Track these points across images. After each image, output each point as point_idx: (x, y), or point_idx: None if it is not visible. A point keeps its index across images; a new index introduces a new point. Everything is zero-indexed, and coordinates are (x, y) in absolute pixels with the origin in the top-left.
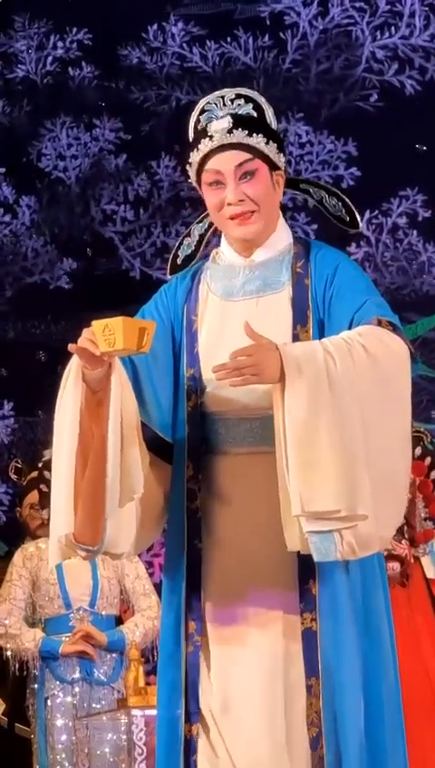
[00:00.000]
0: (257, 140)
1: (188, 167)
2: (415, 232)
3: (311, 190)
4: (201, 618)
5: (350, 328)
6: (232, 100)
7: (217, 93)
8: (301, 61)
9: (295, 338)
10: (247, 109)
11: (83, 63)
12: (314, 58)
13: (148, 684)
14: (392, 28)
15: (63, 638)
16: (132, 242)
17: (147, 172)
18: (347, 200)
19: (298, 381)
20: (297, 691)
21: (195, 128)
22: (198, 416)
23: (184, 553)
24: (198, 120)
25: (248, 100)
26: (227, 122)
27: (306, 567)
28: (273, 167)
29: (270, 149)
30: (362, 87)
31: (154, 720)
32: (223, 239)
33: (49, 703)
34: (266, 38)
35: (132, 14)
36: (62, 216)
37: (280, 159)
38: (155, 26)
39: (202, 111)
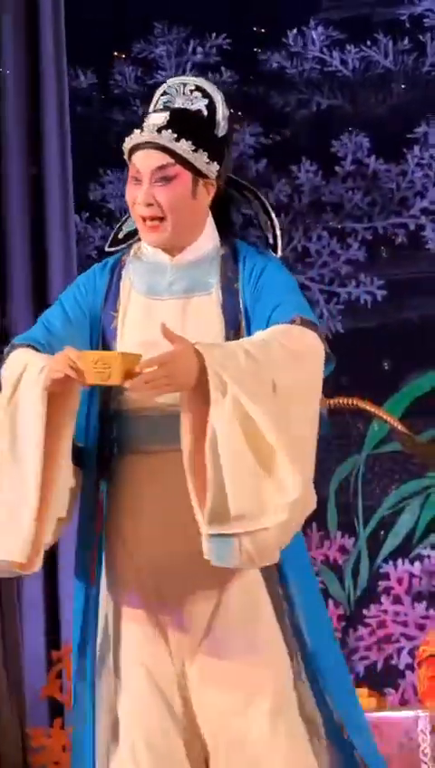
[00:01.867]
0: (184, 147)
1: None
2: None
3: (251, 199)
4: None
5: (267, 326)
6: (191, 91)
7: (182, 79)
8: None
9: (229, 338)
10: (199, 105)
11: (223, 68)
12: None
13: None
14: None
15: None
16: None
17: (287, 177)
18: (277, 225)
19: (220, 384)
20: None
21: (153, 109)
22: (110, 414)
23: (93, 556)
24: (157, 101)
25: (206, 95)
26: (162, 119)
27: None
28: (200, 174)
29: (197, 157)
30: None
31: None
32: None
33: None
34: (406, 41)
35: (272, 18)
36: None
37: (211, 168)
38: (295, 31)
39: (163, 93)
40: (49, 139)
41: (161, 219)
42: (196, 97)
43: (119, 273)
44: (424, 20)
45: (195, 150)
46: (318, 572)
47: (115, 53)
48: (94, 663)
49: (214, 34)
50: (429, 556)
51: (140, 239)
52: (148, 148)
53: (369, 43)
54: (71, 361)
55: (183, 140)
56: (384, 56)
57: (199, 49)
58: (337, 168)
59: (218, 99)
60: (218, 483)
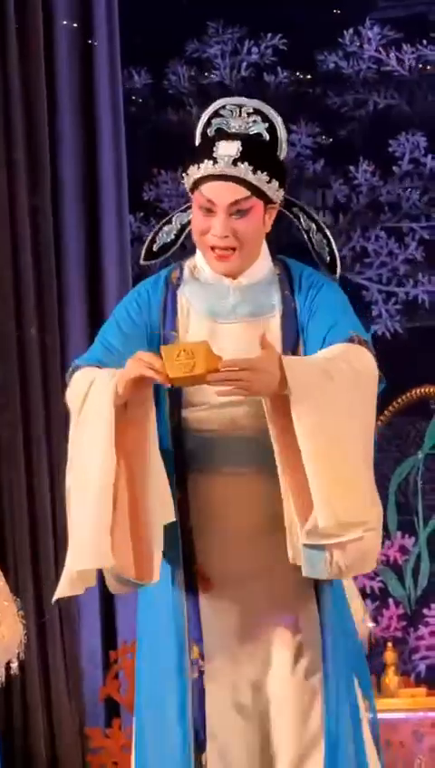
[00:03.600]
0: (260, 179)
1: (184, 174)
2: None
3: (301, 217)
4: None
5: (323, 345)
6: (249, 114)
7: (236, 101)
8: None
9: None
10: (261, 128)
11: (279, 69)
12: None
13: None
14: None
15: None
16: None
17: (345, 177)
18: (332, 241)
19: (306, 393)
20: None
21: (203, 131)
22: (181, 433)
23: (179, 576)
24: (208, 123)
25: (265, 118)
26: (235, 150)
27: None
28: (270, 201)
29: (270, 187)
30: None
31: None
32: (199, 256)
33: None
34: None
35: (328, 18)
36: None
37: (278, 195)
38: (351, 30)
39: (216, 115)
40: (103, 140)
41: (233, 249)
42: (254, 120)
43: (173, 291)
44: None
45: (269, 181)
46: (377, 573)
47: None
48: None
49: (269, 35)
50: None
51: (177, 255)
52: (223, 180)
53: (425, 42)
54: (146, 363)
55: (259, 172)
56: None
57: (255, 49)
58: (394, 168)
59: (279, 121)
60: (322, 496)
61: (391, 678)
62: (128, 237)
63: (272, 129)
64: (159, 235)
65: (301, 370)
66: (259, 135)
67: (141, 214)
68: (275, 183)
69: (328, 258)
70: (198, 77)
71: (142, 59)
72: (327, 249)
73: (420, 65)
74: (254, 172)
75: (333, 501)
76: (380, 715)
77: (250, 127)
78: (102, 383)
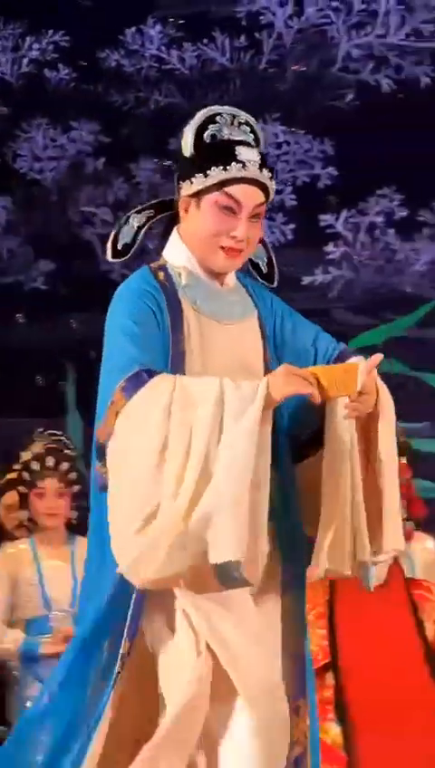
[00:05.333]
0: (272, 186)
1: (196, 175)
2: (392, 231)
3: None
4: None
5: (316, 353)
6: (240, 124)
7: (228, 109)
8: (277, 61)
9: (266, 362)
10: (251, 140)
11: (60, 65)
12: (291, 58)
13: None
14: (368, 27)
15: (43, 640)
16: None
17: (126, 175)
18: (272, 254)
19: (388, 412)
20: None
21: (198, 136)
22: None
23: None
24: (203, 128)
25: (253, 131)
26: (257, 156)
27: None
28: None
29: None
30: (338, 86)
31: None
32: (190, 259)
33: (29, 704)
34: (243, 39)
35: (110, 16)
36: (39, 218)
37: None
38: (133, 29)
39: (212, 121)
40: None
41: (239, 251)
42: (244, 131)
43: (173, 291)
44: (260, 17)
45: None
46: None
47: None
48: None
49: (51, 31)
50: None
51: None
52: (249, 185)
53: (206, 40)
54: (307, 380)
55: (272, 180)
56: (221, 54)
57: (36, 45)
58: (174, 167)
59: (262, 136)
60: (394, 518)
61: None
62: None
63: (257, 142)
64: (120, 234)
65: (383, 388)
66: (260, 148)
67: None
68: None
69: (266, 270)
70: None
71: None
72: (266, 259)
73: (201, 64)
74: (271, 179)
75: (393, 516)
76: None
77: (242, 137)
78: (243, 390)
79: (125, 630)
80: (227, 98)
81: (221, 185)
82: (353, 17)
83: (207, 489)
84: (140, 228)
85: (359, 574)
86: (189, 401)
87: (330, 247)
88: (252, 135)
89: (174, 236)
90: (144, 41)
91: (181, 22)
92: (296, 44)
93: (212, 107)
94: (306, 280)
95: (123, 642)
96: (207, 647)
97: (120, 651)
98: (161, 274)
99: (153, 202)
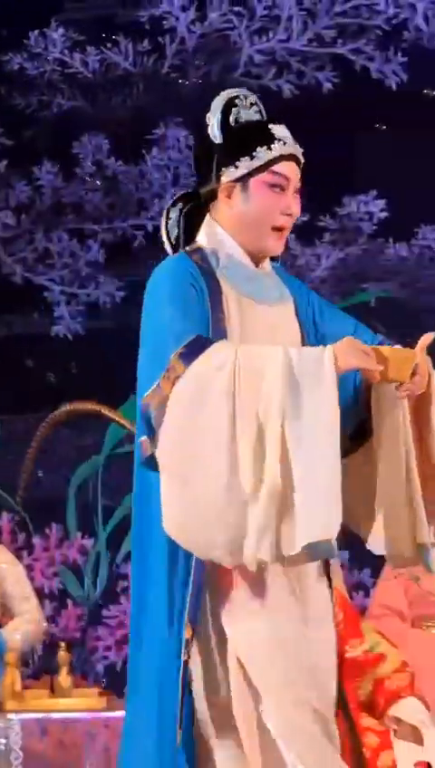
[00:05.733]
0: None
1: (241, 159)
2: (293, 236)
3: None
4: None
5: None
6: (251, 105)
7: (243, 92)
8: (180, 65)
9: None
10: (258, 117)
11: None
12: (193, 62)
13: (25, 688)
14: (270, 32)
15: None
16: (14, 247)
17: (28, 178)
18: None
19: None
20: None
21: (226, 121)
22: None
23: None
24: (227, 113)
25: (259, 110)
26: (288, 132)
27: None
28: None
29: None
30: None
31: (33, 724)
32: (228, 243)
33: None
34: (146, 43)
35: (13, 19)
36: None
37: None
38: (36, 32)
39: (232, 105)
40: None
41: (286, 230)
42: (254, 111)
43: (211, 272)
44: (163, 22)
45: None
46: (57, 573)
47: None
48: None
49: None
50: None
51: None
52: (290, 161)
53: (109, 44)
54: (375, 359)
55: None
56: (125, 58)
57: None
58: (77, 170)
59: (264, 115)
60: None
61: (65, 678)
62: None
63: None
64: (169, 229)
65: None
66: None
67: None
68: None
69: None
70: None
71: None
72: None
73: (104, 67)
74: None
75: None
76: (54, 716)
77: (253, 117)
78: (310, 354)
79: (185, 613)
80: (129, 102)
81: (268, 164)
82: (256, 23)
83: (292, 461)
84: (178, 221)
85: (419, 558)
86: (256, 365)
87: None
88: (259, 114)
89: (208, 222)
90: (47, 44)
91: (85, 25)
92: (199, 49)
93: (227, 91)
94: None
95: (185, 627)
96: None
97: (183, 637)
98: (197, 257)
99: (179, 195)
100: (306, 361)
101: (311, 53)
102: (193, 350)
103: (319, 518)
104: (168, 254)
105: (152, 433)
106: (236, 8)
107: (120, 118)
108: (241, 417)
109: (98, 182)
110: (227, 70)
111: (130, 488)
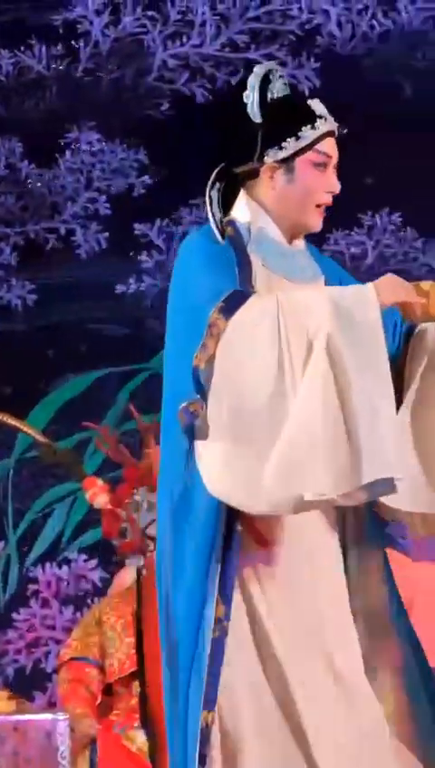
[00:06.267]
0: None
1: (288, 139)
2: None
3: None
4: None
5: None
6: (281, 77)
7: (271, 65)
8: (93, 69)
9: None
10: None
11: None
12: (106, 66)
13: None
14: (184, 37)
15: None
16: None
17: None
18: None
19: None
20: None
21: (264, 99)
22: None
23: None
24: (264, 90)
25: (285, 83)
26: (324, 107)
27: None
28: None
29: None
30: (153, 95)
31: None
32: (262, 219)
33: None
34: (60, 46)
35: None
36: None
37: None
38: None
39: (267, 80)
40: None
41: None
42: (283, 83)
43: (242, 247)
44: (77, 25)
45: None
46: None
47: None
48: None
49: None
50: (76, 560)
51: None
52: (331, 137)
53: (23, 47)
54: (422, 292)
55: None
56: (38, 61)
57: None
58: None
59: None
60: None
61: None
62: None
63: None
64: (214, 213)
65: None
66: None
67: None
68: None
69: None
70: None
71: None
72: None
73: (18, 71)
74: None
75: None
76: None
77: (285, 91)
78: (351, 291)
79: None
80: (42, 105)
81: (312, 143)
82: (170, 27)
83: (348, 399)
84: (217, 200)
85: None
86: (300, 305)
87: (143, 256)
88: (286, 85)
89: (243, 198)
90: None
91: None
92: (113, 53)
93: (258, 66)
94: (120, 288)
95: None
96: None
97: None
98: (230, 229)
99: (214, 176)
100: (350, 296)
101: (224, 58)
102: (233, 304)
103: (382, 455)
104: (80, 259)
105: (203, 394)
106: (149, 13)
107: (33, 121)
108: (290, 355)
109: (11, 185)
110: (140, 74)
111: (40, 492)
